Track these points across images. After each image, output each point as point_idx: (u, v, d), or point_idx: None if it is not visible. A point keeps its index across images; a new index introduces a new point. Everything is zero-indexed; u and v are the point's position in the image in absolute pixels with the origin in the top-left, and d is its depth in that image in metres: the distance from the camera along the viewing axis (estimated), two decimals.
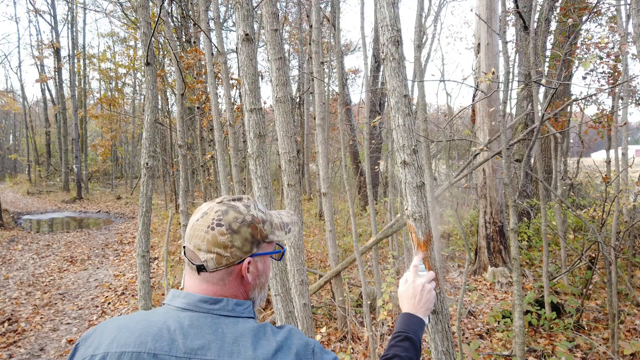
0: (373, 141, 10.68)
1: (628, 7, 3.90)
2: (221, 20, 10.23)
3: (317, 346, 0.86)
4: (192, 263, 0.86)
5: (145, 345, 0.76)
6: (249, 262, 0.88)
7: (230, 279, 0.87)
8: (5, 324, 5.03)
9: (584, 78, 8.75)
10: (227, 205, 0.89)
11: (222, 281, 0.87)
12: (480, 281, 5.81)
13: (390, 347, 1.07)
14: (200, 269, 0.85)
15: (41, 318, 5.29)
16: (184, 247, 0.88)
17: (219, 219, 0.86)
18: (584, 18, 6.72)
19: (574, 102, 6.17)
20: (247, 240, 0.88)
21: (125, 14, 11.19)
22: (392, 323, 4.42)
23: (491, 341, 4.02)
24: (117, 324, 0.82)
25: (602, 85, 8.06)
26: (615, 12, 6.42)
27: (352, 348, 3.92)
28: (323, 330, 4.18)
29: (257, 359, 0.77)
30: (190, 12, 9.52)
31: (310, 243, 8.05)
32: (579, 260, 4.31)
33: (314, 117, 4.95)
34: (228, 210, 0.88)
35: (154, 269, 7.54)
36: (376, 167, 10.92)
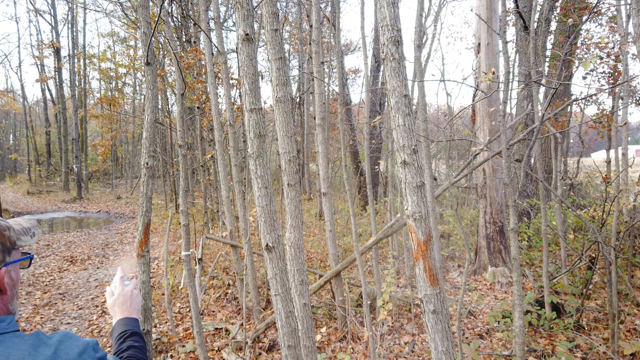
0: (373, 141, 10.67)
1: (628, 7, 3.90)
2: (221, 20, 10.23)
3: (95, 343, 0.89)
4: None
5: None
6: (4, 272, 0.82)
7: None
8: None
9: (584, 78, 8.75)
10: None
11: None
12: (480, 281, 5.81)
13: (122, 342, 1.13)
14: None
15: (41, 318, 5.29)
16: None
17: None
18: (584, 18, 6.72)
19: (574, 102, 6.17)
20: None
21: (126, 14, 11.20)
22: (392, 323, 4.42)
23: (491, 341, 4.02)
24: None
25: (602, 85, 8.06)
26: (615, 12, 6.42)
27: (352, 348, 3.92)
28: (323, 330, 4.18)
29: None
30: (190, 12, 9.52)
31: (310, 243, 8.05)
32: (579, 260, 4.31)
33: (314, 117, 4.95)
34: None
35: (154, 268, 7.54)
36: (376, 167, 10.92)
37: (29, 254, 0.93)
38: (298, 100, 15.97)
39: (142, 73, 19.37)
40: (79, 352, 0.83)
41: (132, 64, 19.30)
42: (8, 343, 0.76)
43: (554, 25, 8.13)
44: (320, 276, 4.96)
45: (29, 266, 0.94)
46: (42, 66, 22.69)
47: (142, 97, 21.42)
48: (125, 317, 1.21)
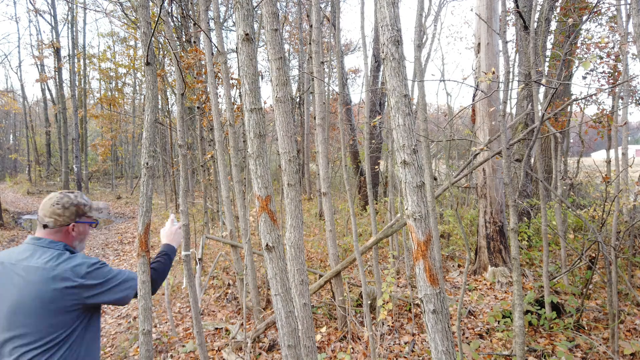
0: (373, 141, 10.67)
1: (628, 6, 3.90)
2: (221, 20, 10.23)
3: (95, 259, 1.63)
4: (40, 223, 1.62)
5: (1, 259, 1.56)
6: (73, 225, 1.66)
7: (60, 233, 1.64)
8: None
9: (584, 78, 8.75)
10: (63, 194, 1.66)
11: (56, 233, 1.63)
12: (480, 281, 5.81)
13: (157, 257, 1.90)
14: (45, 226, 1.62)
15: None
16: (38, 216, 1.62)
17: (57, 201, 1.64)
18: (584, 18, 6.72)
19: (574, 102, 6.17)
20: (73, 213, 1.65)
21: (125, 14, 11.19)
22: (392, 323, 4.42)
23: (491, 341, 4.02)
24: None
25: (602, 85, 8.06)
26: (615, 12, 6.42)
27: (352, 348, 3.92)
28: (323, 330, 4.18)
29: (58, 265, 1.52)
30: (190, 12, 9.52)
31: (311, 243, 8.05)
32: (579, 260, 4.31)
33: (314, 117, 4.95)
34: (63, 197, 1.65)
35: None
36: (376, 166, 10.92)
37: (95, 220, 1.76)
38: (298, 100, 15.97)
39: (142, 73, 19.36)
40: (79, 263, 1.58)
41: (132, 64, 19.30)
42: (49, 251, 1.58)
43: (554, 25, 8.13)
44: (320, 276, 4.96)
45: (95, 227, 1.77)
46: (42, 66, 22.69)
47: (142, 97, 21.42)
48: (166, 243, 1.98)
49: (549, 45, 8.08)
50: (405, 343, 4.03)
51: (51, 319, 1.48)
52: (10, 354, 1.44)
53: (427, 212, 1.45)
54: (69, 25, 20.62)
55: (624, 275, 3.71)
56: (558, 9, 7.80)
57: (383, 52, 1.46)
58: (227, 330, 4.51)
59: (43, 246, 1.57)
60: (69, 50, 20.71)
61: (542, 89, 7.08)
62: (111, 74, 20.61)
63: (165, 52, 11.64)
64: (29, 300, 1.46)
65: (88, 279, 1.55)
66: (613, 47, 7.43)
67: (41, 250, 1.55)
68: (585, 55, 7.84)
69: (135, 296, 1.72)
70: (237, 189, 4.59)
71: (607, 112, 6.12)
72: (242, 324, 4.43)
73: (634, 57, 4.12)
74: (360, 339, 4.11)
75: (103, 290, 1.59)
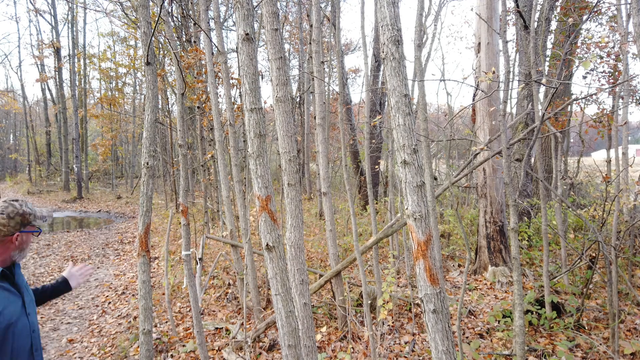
0: (373, 141, 10.67)
1: (628, 6, 3.90)
2: (221, 20, 10.23)
3: None
4: None
5: None
6: (17, 235, 1.59)
7: (2, 243, 1.56)
8: None
9: (585, 77, 8.74)
10: (8, 203, 1.58)
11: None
12: (480, 281, 5.81)
13: None
14: None
15: (41, 317, 5.30)
16: None
17: (2, 210, 1.56)
18: (585, 17, 6.72)
19: (575, 102, 6.16)
20: (18, 223, 1.58)
21: (126, 14, 11.19)
22: (393, 323, 4.42)
23: (491, 340, 4.02)
24: None
25: (602, 84, 8.06)
26: (615, 12, 6.41)
27: (352, 347, 3.92)
28: (323, 329, 4.18)
29: None
30: (191, 12, 9.52)
31: (311, 242, 8.05)
32: (579, 260, 4.31)
33: (314, 117, 4.95)
34: (8, 206, 1.57)
35: (154, 268, 7.54)
36: (376, 166, 10.92)
37: (39, 229, 1.67)
38: (298, 99, 15.97)
39: (142, 73, 19.37)
40: None
41: (132, 64, 19.30)
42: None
43: (554, 25, 8.13)
44: (321, 276, 4.96)
45: (38, 235, 1.69)
46: (42, 66, 22.70)
47: (142, 96, 21.42)
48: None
49: (549, 45, 8.07)
50: (406, 343, 4.03)
51: None
52: None
53: (427, 212, 1.45)
54: (69, 25, 20.63)
55: (624, 275, 3.71)
56: (558, 9, 7.79)
57: (383, 52, 1.46)
58: (227, 330, 4.51)
59: None
60: (69, 50, 20.73)
61: (542, 89, 7.07)
62: (111, 73, 20.61)
63: (166, 52, 11.65)
64: None
65: None
66: (613, 47, 7.43)
67: None
68: (586, 55, 7.83)
69: None
70: (237, 189, 4.59)
71: (608, 112, 6.12)
72: (242, 324, 4.43)
73: (634, 56, 4.12)
74: (360, 339, 4.11)
75: None
